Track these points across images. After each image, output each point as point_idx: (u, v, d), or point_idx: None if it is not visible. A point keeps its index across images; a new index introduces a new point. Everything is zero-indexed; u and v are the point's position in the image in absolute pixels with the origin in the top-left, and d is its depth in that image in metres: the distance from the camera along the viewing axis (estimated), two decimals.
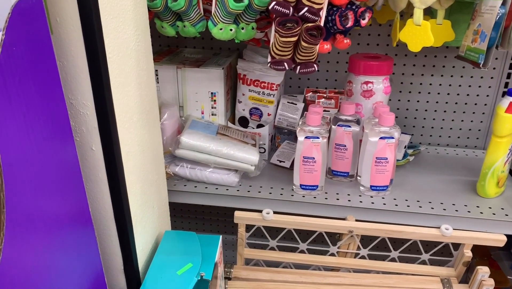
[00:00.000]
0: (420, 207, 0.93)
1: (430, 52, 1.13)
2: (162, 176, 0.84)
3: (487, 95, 1.16)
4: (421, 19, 0.75)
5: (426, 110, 1.20)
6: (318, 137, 0.91)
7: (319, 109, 0.94)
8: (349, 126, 0.96)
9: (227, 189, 0.98)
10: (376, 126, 0.92)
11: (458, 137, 1.22)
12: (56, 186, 0.53)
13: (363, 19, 0.78)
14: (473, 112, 1.19)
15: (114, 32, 0.62)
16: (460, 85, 1.16)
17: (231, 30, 0.79)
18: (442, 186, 1.02)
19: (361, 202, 0.95)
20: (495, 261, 1.19)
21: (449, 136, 1.22)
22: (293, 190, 0.98)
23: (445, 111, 1.19)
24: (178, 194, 0.98)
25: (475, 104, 1.17)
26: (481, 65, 0.73)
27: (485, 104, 1.17)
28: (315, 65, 0.79)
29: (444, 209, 0.92)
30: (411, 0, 0.74)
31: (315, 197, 0.96)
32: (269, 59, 0.80)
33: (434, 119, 1.21)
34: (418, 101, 1.19)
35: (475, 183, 1.00)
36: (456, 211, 0.92)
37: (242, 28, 0.81)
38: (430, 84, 1.17)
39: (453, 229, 0.89)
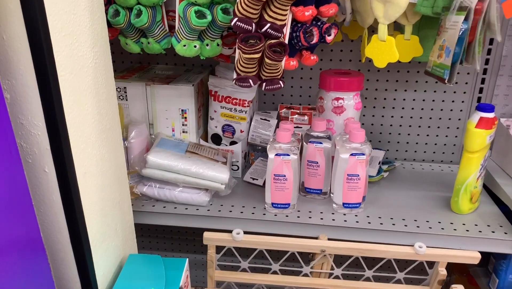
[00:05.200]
0: (394, 224, 0.91)
1: (403, 68, 1.13)
2: (126, 197, 0.82)
3: (461, 110, 1.16)
4: (386, 34, 0.74)
5: (400, 125, 1.20)
6: (288, 154, 0.89)
7: (289, 126, 0.92)
8: (321, 143, 0.95)
9: (197, 209, 0.95)
10: (347, 143, 0.91)
11: (434, 152, 1.21)
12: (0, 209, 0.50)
13: (329, 35, 0.78)
14: (448, 127, 1.18)
15: (67, 49, 0.59)
16: (433, 100, 1.16)
17: (195, 46, 0.78)
18: (416, 202, 1.00)
19: (333, 220, 0.93)
20: (473, 277, 1.18)
21: (424, 152, 1.22)
22: (265, 208, 0.96)
23: (419, 126, 1.19)
24: (146, 215, 0.95)
25: (449, 119, 1.17)
26: (446, 81, 0.72)
27: (459, 119, 1.17)
28: (280, 82, 0.78)
29: (418, 226, 0.91)
30: (376, 15, 0.73)
31: (287, 216, 0.94)
32: (234, 76, 0.78)
33: (409, 134, 1.20)
34: (392, 116, 1.19)
35: (449, 199, 0.99)
36: (430, 228, 0.90)
37: (207, 45, 0.79)
38: (404, 99, 1.16)
39: (427, 247, 0.87)
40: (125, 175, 0.81)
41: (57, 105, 0.57)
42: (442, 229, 0.90)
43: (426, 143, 1.21)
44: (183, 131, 1.05)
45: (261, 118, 1.09)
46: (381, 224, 0.92)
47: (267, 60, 0.72)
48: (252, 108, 1.09)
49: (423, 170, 1.17)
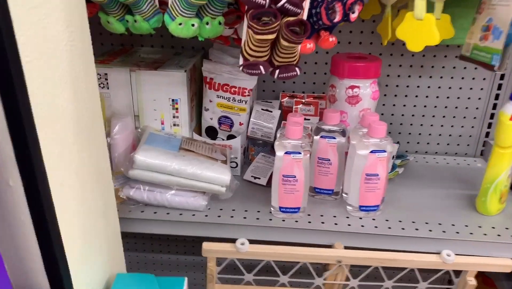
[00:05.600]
0: (417, 229, 0.81)
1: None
2: (111, 206, 0.69)
3: (479, 98, 1.06)
4: (424, 12, 0.62)
5: (413, 115, 1.09)
6: (299, 153, 0.77)
7: (299, 118, 0.80)
8: (334, 138, 0.83)
9: (194, 214, 0.83)
10: (365, 138, 0.79)
11: (448, 144, 1.11)
12: None
13: (353, 12, 0.65)
14: (464, 117, 1.08)
15: (35, 27, 0.46)
16: (450, 88, 1.05)
17: (193, 25, 0.64)
18: (437, 201, 0.90)
19: (349, 225, 0.82)
20: (489, 277, 1.10)
21: (438, 144, 1.12)
22: (271, 212, 0.84)
23: (433, 116, 1.08)
24: (134, 222, 0.82)
25: (466, 108, 1.07)
26: (496, 68, 0.61)
27: (477, 108, 1.07)
28: (297, 69, 0.65)
29: (444, 231, 0.81)
30: None
31: (297, 221, 0.82)
32: (241, 62, 0.65)
33: (421, 125, 1.10)
34: (404, 105, 1.08)
35: (472, 197, 0.89)
36: (457, 233, 0.80)
37: (207, 23, 0.66)
38: (418, 86, 1.06)
39: (455, 255, 0.78)
40: (110, 181, 0.67)
41: (21, 100, 0.44)
42: (471, 234, 0.80)
43: (439, 135, 1.11)
44: (174, 124, 0.92)
45: (262, 109, 0.96)
46: (403, 229, 0.81)
47: (283, 42, 0.59)
48: (252, 97, 0.96)
49: (437, 164, 1.07)
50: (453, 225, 0.83)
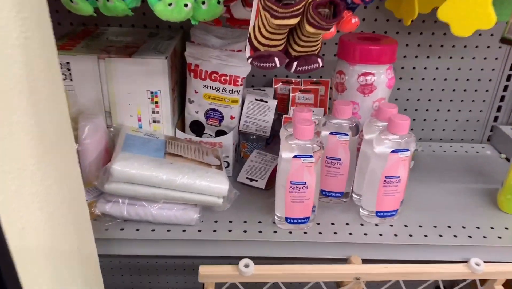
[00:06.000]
0: (441, 236, 0.71)
1: (427, 29, 0.90)
2: (87, 236, 0.55)
3: (490, 80, 0.96)
4: None
5: (418, 100, 0.98)
6: (311, 156, 0.65)
7: (308, 114, 0.68)
8: (346, 135, 0.72)
9: (184, 230, 0.70)
10: (385, 135, 0.68)
11: (454, 130, 1.02)
12: None
13: None
14: (472, 101, 0.99)
15: None
16: (459, 69, 0.95)
17: (186, 5, 0.50)
18: (455, 199, 0.81)
19: (365, 234, 0.71)
20: None
21: (443, 130, 1.02)
22: (274, 222, 0.72)
23: (440, 100, 0.99)
24: (113, 243, 0.68)
25: (475, 90, 0.97)
26: None
27: (486, 91, 0.98)
28: (319, 60, 0.52)
29: (470, 237, 0.72)
30: None
31: (305, 232, 0.71)
32: (248, 52, 0.51)
33: (427, 110, 1.00)
34: (409, 89, 0.97)
35: (490, 192, 0.81)
36: (485, 238, 0.72)
37: (203, 3, 0.51)
38: (425, 68, 0.95)
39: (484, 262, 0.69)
40: (84, 204, 0.53)
41: None
42: (499, 238, 0.72)
43: (446, 120, 1.01)
44: (154, 121, 0.77)
45: (256, 99, 0.83)
46: (426, 236, 0.71)
47: (308, 28, 0.46)
48: (244, 86, 0.82)
49: (445, 153, 0.98)
50: (478, 228, 0.74)
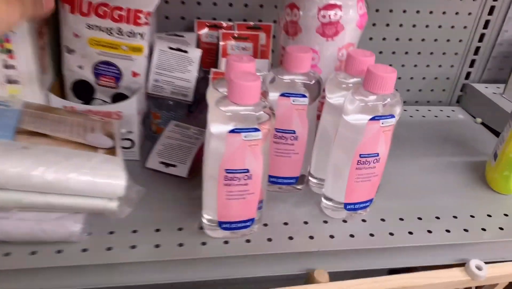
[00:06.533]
0: (430, 232, 0.53)
1: None
2: None
3: (465, 27, 0.78)
4: None
5: (380, 52, 0.78)
6: (257, 130, 0.41)
7: (250, 65, 0.44)
8: (303, 96, 0.49)
9: (60, 251, 0.44)
10: (360, 95, 0.46)
11: (420, 90, 0.84)
12: None
13: None
14: (443, 53, 0.81)
15: None
16: (431, 12, 0.76)
17: None
18: (436, 178, 0.63)
19: (332, 236, 0.51)
20: None
21: (408, 90, 0.84)
22: (202, 228, 0.49)
23: (406, 52, 0.79)
24: None
25: (447, 40, 0.79)
26: None
27: (460, 41, 0.80)
28: None
29: (466, 230, 0.54)
30: None
31: (248, 241, 0.48)
32: None
33: (390, 65, 0.80)
34: (371, 38, 0.76)
35: (475, 166, 0.66)
36: (483, 230, 0.54)
37: None
38: (391, 11, 0.74)
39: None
40: None
41: None
42: (501, 229, 0.54)
43: (411, 78, 0.82)
44: (9, 81, 0.50)
45: (170, 48, 0.58)
46: (411, 233, 0.52)
47: None
48: (151, 28, 0.56)
49: (411, 118, 0.80)
50: (472, 216, 0.56)
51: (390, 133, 0.48)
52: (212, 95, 0.46)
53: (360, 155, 0.48)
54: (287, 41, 0.55)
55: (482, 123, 0.79)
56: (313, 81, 0.50)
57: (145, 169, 0.57)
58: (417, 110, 0.83)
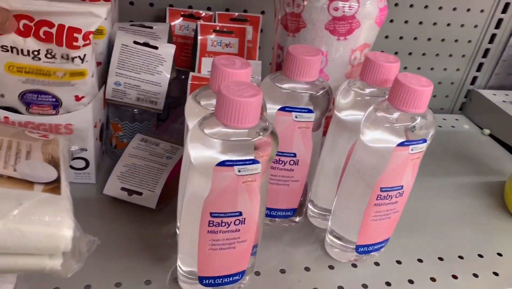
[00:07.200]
0: (455, 277, 0.43)
1: None
2: None
3: (475, 26, 0.69)
4: None
5: (382, 51, 0.68)
6: (255, 162, 0.30)
7: (245, 72, 0.33)
8: (309, 111, 0.38)
9: None
10: (385, 112, 0.36)
11: None
12: None
13: None
14: (450, 55, 0.71)
15: None
16: (440, 8, 0.66)
17: None
18: (450, 203, 0.54)
19: (341, 288, 0.40)
20: None
21: None
22: (176, 280, 0.37)
23: (410, 53, 0.70)
24: None
25: (456, 40, 0.70)
26: None
27: (469, 41, 0.71)
28: None
29: (496, 274, 0.45)
30: None
31: None
32: None
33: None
34: (386, 36, 0.66)
35: (492, 188, 0.59)
36: None
37: None
38: (396, 4, 0.64)
39: None
40: None
41: None
42: None
43: None
44: None
45: (135, 43, 0.45)
46: (433, 280, 0.43)
47: None
48: (110, 18, 0.44)
49: None
50: (499, 255, 0.47)
51: (418, 162, 0.38)
52: (192, 110, 0.34)
53: (381, 188, 0.37)
54: (285, 39, 0.44)
55: (491, 135, 0.71)
56: (321, 92, 0.39)
57: (103, 196, 0.44)
58: None
